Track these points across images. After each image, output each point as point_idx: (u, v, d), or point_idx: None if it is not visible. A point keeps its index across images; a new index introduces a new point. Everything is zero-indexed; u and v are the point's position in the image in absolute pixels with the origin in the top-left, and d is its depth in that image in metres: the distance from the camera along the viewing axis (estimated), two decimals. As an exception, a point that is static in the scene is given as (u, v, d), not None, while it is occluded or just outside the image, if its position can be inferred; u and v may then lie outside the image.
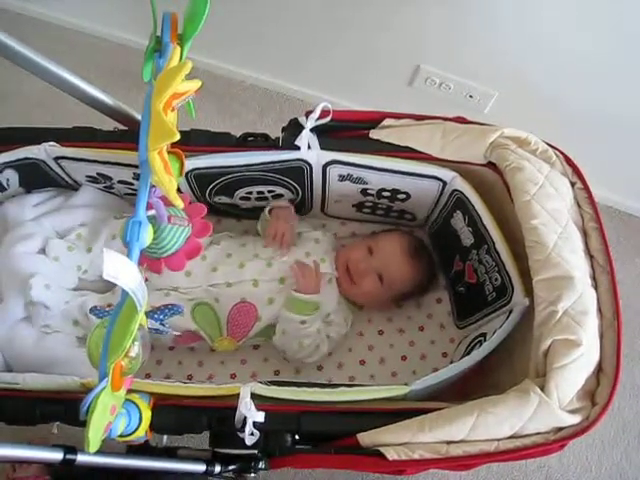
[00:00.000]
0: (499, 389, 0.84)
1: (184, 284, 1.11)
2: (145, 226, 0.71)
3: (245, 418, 0.81)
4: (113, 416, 0.68)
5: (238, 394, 0.83)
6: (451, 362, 1.10)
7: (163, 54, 0.81)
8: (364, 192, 1.12)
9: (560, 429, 0.81)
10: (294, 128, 1.01)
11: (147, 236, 0.71)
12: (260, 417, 0.80)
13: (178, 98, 0.72)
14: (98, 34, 1.91)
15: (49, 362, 1.01)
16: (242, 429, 0.80)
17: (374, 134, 1.02)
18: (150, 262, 0.83)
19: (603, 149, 1.50)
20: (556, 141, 1.01)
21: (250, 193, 1.15)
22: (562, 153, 0.99)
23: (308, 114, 0.99)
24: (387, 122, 1.03)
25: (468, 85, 1.52)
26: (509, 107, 1.53)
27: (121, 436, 0.74)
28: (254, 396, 0.83)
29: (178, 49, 0.78)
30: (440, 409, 0.83)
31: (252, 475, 0.92)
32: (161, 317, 0.97)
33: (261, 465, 0.88)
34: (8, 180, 1.10)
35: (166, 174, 0.70)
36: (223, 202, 1.19)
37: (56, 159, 1.04)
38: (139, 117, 1.10)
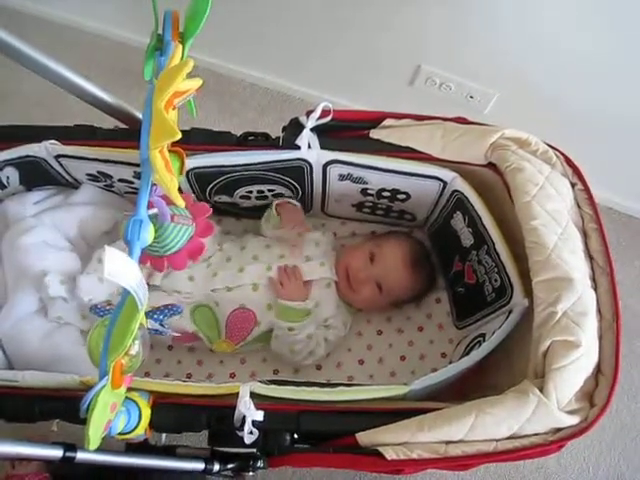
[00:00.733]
0: (498, 390, 0.84)
1: (186, 289, 1.12)
2: (146, 225, 0.71)
3: (244, 417, 0.81)
4: (113, 414, 0.68)
5: (237, 393, 0.83)
6: (450, 362, 1.10)
7: (164, 52, 0.81)
8: (364, 192, 1.12)
9: (558, 430, 0.81)
10: (294, 127, 1.01)
11: (148, 235, 0.71)
12: (259, 416, 0.81)
13: (179, 97, 0.72)
14: (99, 32, 1.91)
15: (53, 359, 1.02)
16: (241, 428, 0.80)
17: (374, 134, 1.02)
18: (153, 260, 0.83)
19: (604, 150, 1.51)
20: (556, 142, 1.01)
21: (250, 192, 1.15)
22: (562, 154, 0.99)
23: (309, 114, 0.99)
24: (388, 122, 1.03)
25: (469, 85, 1.52)
26: (509, 107, 1.53)
27: (121, 434, 0.74)
28: (253, 395, 0.83)
29: (180, 47, 0.78)
30: (439, 409, 0.83)
31: (250, 474, 0.92)
32: (161, 317, 0.97)
33: (260, 464, 0.88)
34: (8, 178, 1.10)
35: (167, 173, 0.70)
36: (223, 201, 1.19)
37: (57, 157, 1.04)
38: (140, 115, 1.10)
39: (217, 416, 0.84)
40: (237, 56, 1.82)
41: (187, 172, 1.04)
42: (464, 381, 0.97)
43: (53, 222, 1.13)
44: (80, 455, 0.77)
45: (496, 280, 1.01)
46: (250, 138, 1.02)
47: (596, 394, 0.82)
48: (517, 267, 0.96)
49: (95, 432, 0.62)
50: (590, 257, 0.91)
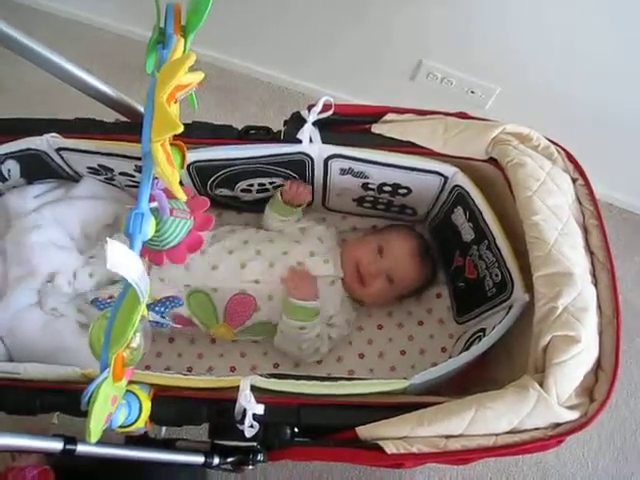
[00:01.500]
0: (498, 384, 0.84)
1: (184, 280, 1.10)
2: (147, 218, 0.71)
3: (245, 410, 0.81)
4: (114, 407, 0.68)
5: (238, 386, 0.83)
6: (450, 357, 1.10)
7: (166, 46, 0.81)
8: (365, 186, 1.12)
9: (558, 425, 0.81)
10: (296, 121, 1.01)
11: (149, 228, 0.71)
12: (260, 409, 0.81)
13: (181, 90, 0.72)
14: (101, 25, 1.91)
15: (53, 349, 1.02)
16: (242, 421, 0.81)
17: (376, 128, 1.02)
18: (152, 254, 0.83)
19: (605, 146, 1.51)
20: (557, 137, 1.01)
21: (251, 185, 1.15)
22: (564, 149, 0.99)
23: (310, 108, 0.99)
24: (389, 117, 1.03)
25: (470, 80, 1.52)
26: (511, 103, 1.53)
27: (121, 427, 0.74)
28: (254, 388, 0.83)
29: (182, 41, 0.78)
30: (439, 403, 0.83)
31: (250, 467, 0.92)
32: (162, 310, 0.97)
33: (260, 457, 0.88)
34: (9, 171, 1.10)
35: (169, 166, 0.70)
36: (224, 194, 1.19)
37: (58, 150, 1.04)
38: (141, 109, 1.10)
39: (217, 409, 0.84)
40: (239, 50, 1.81)
41: (188, 165, 1.03)
42: (464, 376, 0.98)
43: (54, 217, 1.12)
44: (80, 448, 0.77)
45: (497, 275, 1.01)
46: (252, 132, 1.02)
47: (596, 389, 0.82)
48: (518, 262, 0.96)
49: (96, 425, 0.62)
50: (590, 253, 0.91)
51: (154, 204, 0.78)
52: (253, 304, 1.12)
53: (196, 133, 1.00)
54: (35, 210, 1.12)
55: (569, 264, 0.85)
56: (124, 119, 1.10)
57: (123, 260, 0.59)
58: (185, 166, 0.87)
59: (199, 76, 0.74)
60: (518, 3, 1.26)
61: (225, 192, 1.17)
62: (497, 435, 0.80)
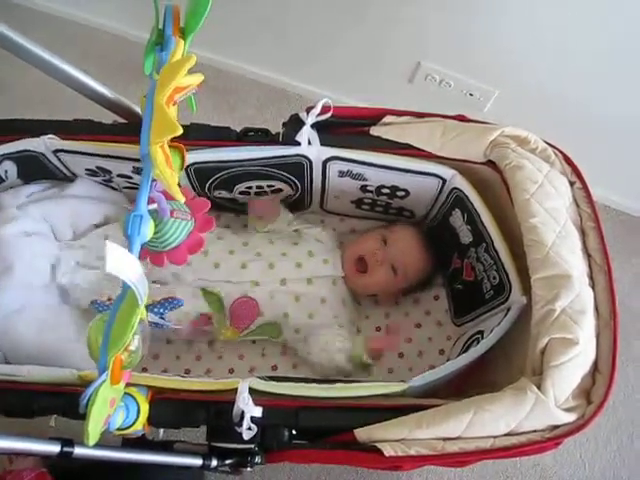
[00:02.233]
0: (496, 387, 0.84)
1: (185, 274, 1.10)
2: (146, 220, 0.71)
3: (243, 413, 0.80)
4: (112, 409, 0.68)
5: (236, 389, 0.83)
6: (448, 359, 1.10)
7: (165, 47, 0.81)
8: (363, 189, 1.12)
9: (556, 427, 0.81)
10: (295, 124, 1.01)
11: (148, 230, 0.71)
12: (258, 412, 0.80)
13: (180, 92, 0.72)
14: (98, 26, 1.90)
15: (47, 351, 1.01)
16: (240, 424, 0.80)
17: (374, 131, 1.02)
18: (152, 256, 0.83)
19: (602, 148, 1.51)
20: (555, 140, 1.01)
21: (250, 188, 1.15)
22: (561, 152, 1.00)
23: (309, 110, 0.99)
24: (388, 119, 1.03)
25: (468, 83, 1.52)
26: (509, 105, 1.53)
27: (119, 429, 0.74)
28: (252, 391, 0.83)
29: (182, 43, 0.78)
30: (437, 406, 0.83)
31: (248, 469, 0.92)
32: (161, 311, 0.96)
33: (257, 460, 0.88)
34: (6, 172, 1.10)
35: (168, 168, 0.70)
36: (222, 196, 1.18)
37: (55, 152, 1.04)
38: (139, 110, 1.09)
39: (215, 412, 0.84)
40: (235, 51, 1.81)
41: (186, 167, 1.03)
42: (462, 378, 0.98)
43: (42, 214, 1.11)
44: (78, 450, 0.77)
45: (494, 277, 1.01)
46: (250, 134, 1.02)
47: (593, 392, 0.82)
48: (515, 264, 0.96)
49: (94, 427, 0.62)
50: (588, 255, 0.92)
51: (153, 206, 0.78)
52: (256, 309, 1.12)
53: (194, 135, 0.99)
54: (19, 206, 1.10)
55: (567, 267, 0.85)
56: (122, 120, 1.10)
57: (122, 262, 0.59)
58: (184, 168, 0.87)
59: (198, 78, 0.74)
60: (517, 6, 1.26)
61: (223, 194, 1.17)
62: (495, 437, 0.80)
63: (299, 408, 0.85)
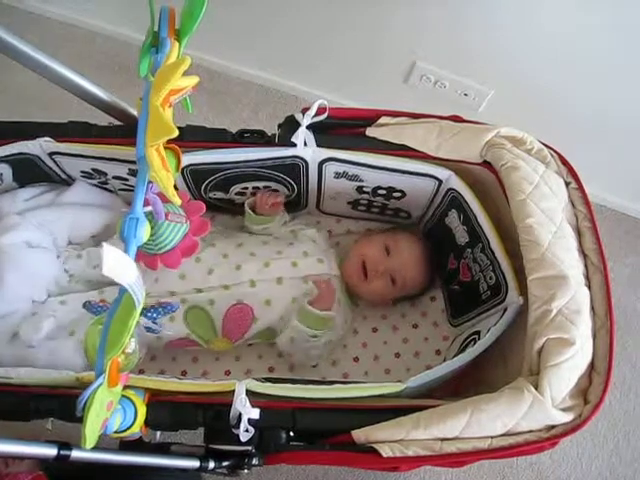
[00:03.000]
0: (493, 387, 0.84)
1: (180, 288, 1.08)
2: (142, 222, 0.71)
3: (240, 414, 0.80)
4: (109, 412, 0.68)
5: (233, 390, 0.83)
6: (444, 360, 1.10)
7: (160, 49, 0.80)
8: (360, 190, 1.13)
9: (552, 427, 0.81)
10: (290, 125, 1.01)
11: (144, 233, 0.71)
12: (255, 414, 0.80)
13: (176, 94, 0.72)
14: (93, 28, 1.90)
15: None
16: (237, 425, 0.80)
17: (370, 132, 1.03)
18: (146, 258, 0.83)
19: (598, 148, 1.51)
20: (550, 140, 1.01)
21: (246, 189, 1.15)
22: (557, 153, 1.00)
23: (305, 111, 0.99)
24: (383, 120, 1.03)
25: (463, 83, 1.53)
26: (504, 105, 1.53)
27: (116, 432, 0.74)
28: (249, 393, 0.83)
29: (177, 45, 0.78)
30: (434, 406, 0.83)
31: (246, 471, 0.92)
32: (154, 315, 0.96)
33: (255, 461, 0.88)
34: (2, 175, 1.09)
35: (163, 170, 0.70)
36: (218, 198, 1.18)
37: (51, 155, 1.04)
38: (134, 112, 1.09)
39: (213, 414, 0.84)
40: (231, 53, 1.81)
41: (182, 169, 1.03)
42: (459, 378, 0.98)
43: (40, 222, 1.10)
44: (75, 453, 0.76)
45: (491, 278, 1.01)
46: (246, 135, 1.02)
47: (590, 391, 0.83)
48: (512, 265, 0.96)
49: (92, 430, 0.62)
50: (584, 255, 0.92)
51: (149, 208, 0.78)
52: (250, 315, 1.11)
53: (190, 137, 0.99)
54: (19, 213, 1.10)
55: (563, 267, 0.85)
56: (117, 122, 1.10)
57: (119, 265, 0.59)
58: (180, 170, 0.87)
59: (194, 80, 0.74)
60: (511, 6, 1.26)
61: (219, 195, 1.17)
62: (492, 437, 0.81)
63: (296, 409, 0.85)
